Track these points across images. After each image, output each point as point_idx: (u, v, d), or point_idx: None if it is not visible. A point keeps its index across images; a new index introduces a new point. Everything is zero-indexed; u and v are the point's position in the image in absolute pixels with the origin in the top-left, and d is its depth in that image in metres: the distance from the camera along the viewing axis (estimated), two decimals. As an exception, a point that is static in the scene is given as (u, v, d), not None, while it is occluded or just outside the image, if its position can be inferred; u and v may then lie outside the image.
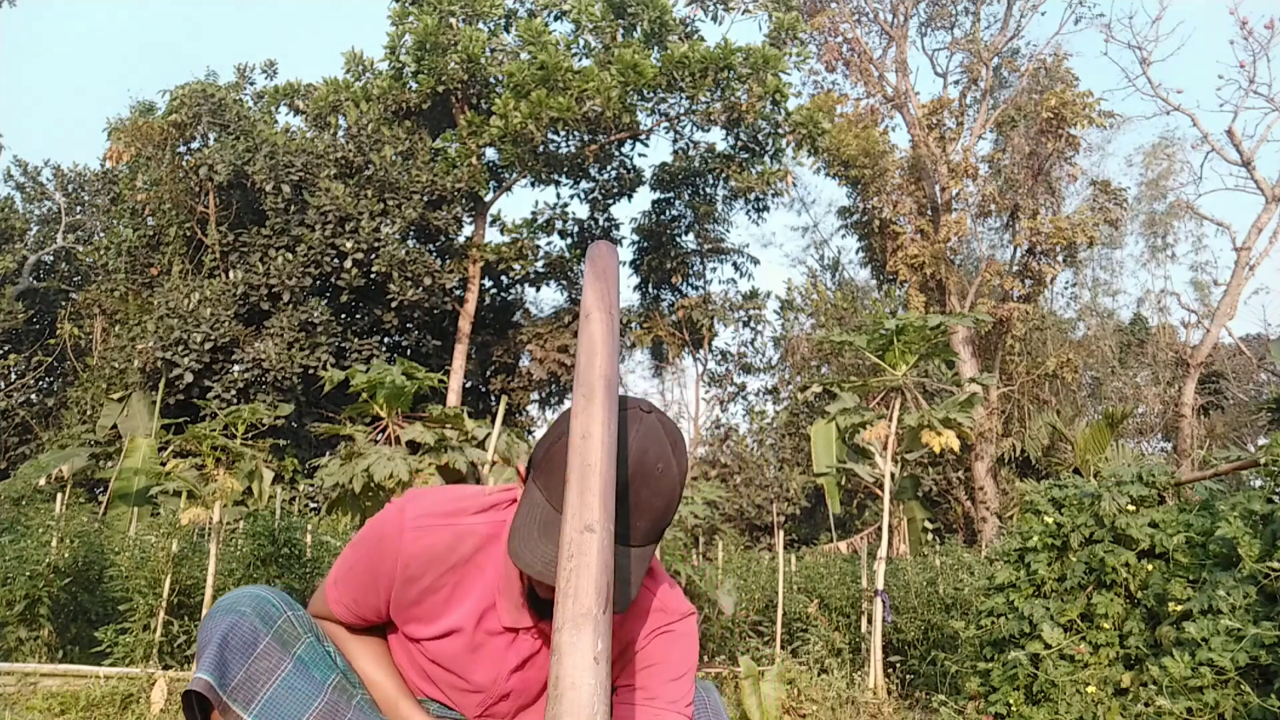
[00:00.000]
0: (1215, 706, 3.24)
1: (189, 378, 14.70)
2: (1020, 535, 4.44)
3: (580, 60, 16.99)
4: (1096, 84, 61.05)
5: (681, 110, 17.75)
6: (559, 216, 19.90)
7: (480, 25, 17.47)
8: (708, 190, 20.87)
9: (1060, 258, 18.49)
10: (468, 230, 18.70)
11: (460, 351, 17.61)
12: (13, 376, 19.82)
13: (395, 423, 7.94)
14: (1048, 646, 3.97)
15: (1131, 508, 4.08)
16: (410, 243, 17.00)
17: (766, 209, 20.78)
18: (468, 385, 19.45)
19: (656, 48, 17.12)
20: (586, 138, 17.58)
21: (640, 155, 22.32)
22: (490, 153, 18.06)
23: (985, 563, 7.33)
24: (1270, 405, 12.42)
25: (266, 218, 16.31)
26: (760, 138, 18.13)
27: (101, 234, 21.22)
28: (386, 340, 18.02)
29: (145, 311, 16.53)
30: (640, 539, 1.21)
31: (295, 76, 27.73)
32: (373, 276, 16.16)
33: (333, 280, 16.07)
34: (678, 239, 21.26)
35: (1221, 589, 3.39)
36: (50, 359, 19.51)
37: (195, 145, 17.04)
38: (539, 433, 18.66)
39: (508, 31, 18.18)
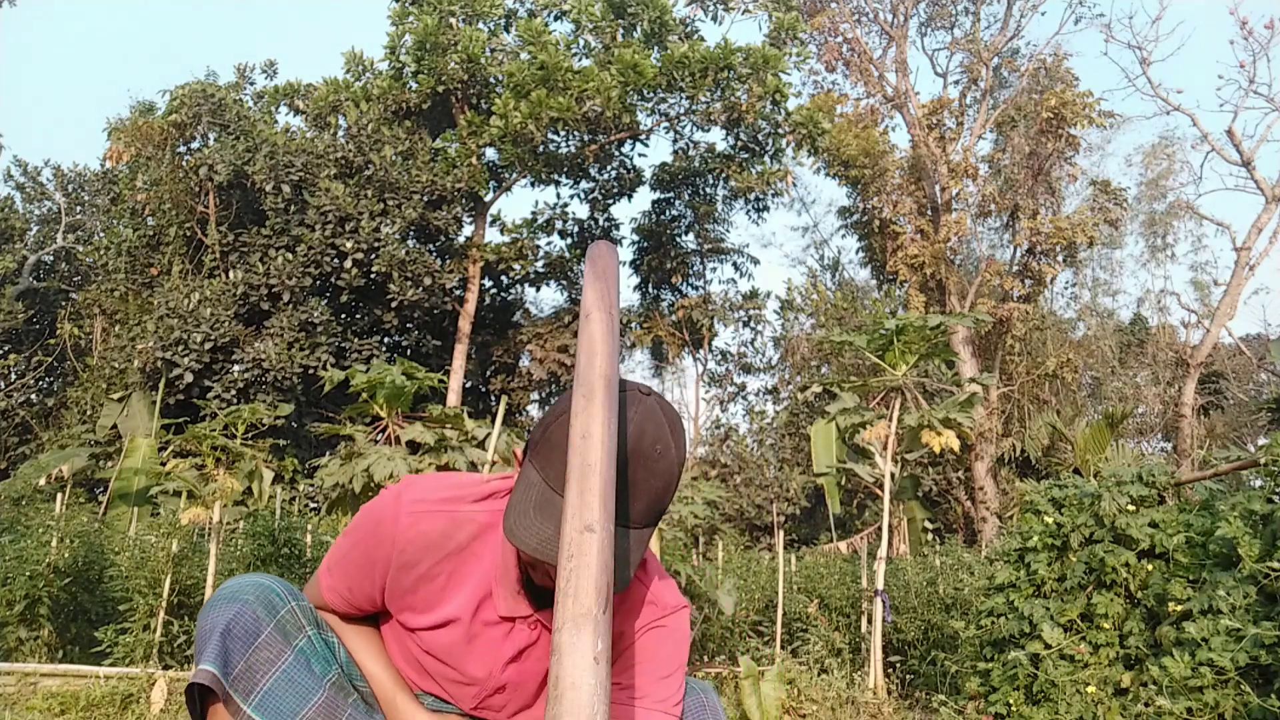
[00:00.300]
0: (1215, 706, 3.24)
1: (189, 378, 14.71)
2: (1020, 535, 4.44)
3: (580, 60, 16.99)
4: (1096, 84, 61.06)
5: (681, 110, 17.76)
6: (559, 216, 19.90)
7: (480, 25, 17.47)
8: (708, 190, 20.88)
9: (1060, 258, 18.49)
10: (468, 230, 18.71)
11: (460, 351, 17.61)
12: (13, 376, 19.82)
13: (395, 423, 7.95)
14: (1048, 646, 3.97)
15: (1131, 508, 4.08)
16: (410, 243, 17.00)
17: (766, 209, 20.80)
18: (468, 385, 19.45)
19: (656, 48, 17.12)
20: (586, 138, 17.58)
21: (640, 155, 22.34)
22: (490, 153, 18.07)
23: (985, 563, 7.33)
24: (1270, 405, 12.42)
25: (266, 218, 16.31)
26: (760, 138, 18.13)
27: (101, 234, 21.22)
28: (386, 340, 18.02)
29: (145, 311, 16.53)
30: (638, 520, 1.20)
31: (295, 76, 27.76)
32: (373, 276, 16.16)
33: (333, 280, 16.07)
34: (678, 239, 21.26)
35: (1221, 589, 3.39)
36: (50, 359, 19.52)
37: (195, 145, 17.04)
38: (539, 433, 18.60)
39: (508, 31, 18.18)
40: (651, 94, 16.82)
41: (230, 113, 16.98)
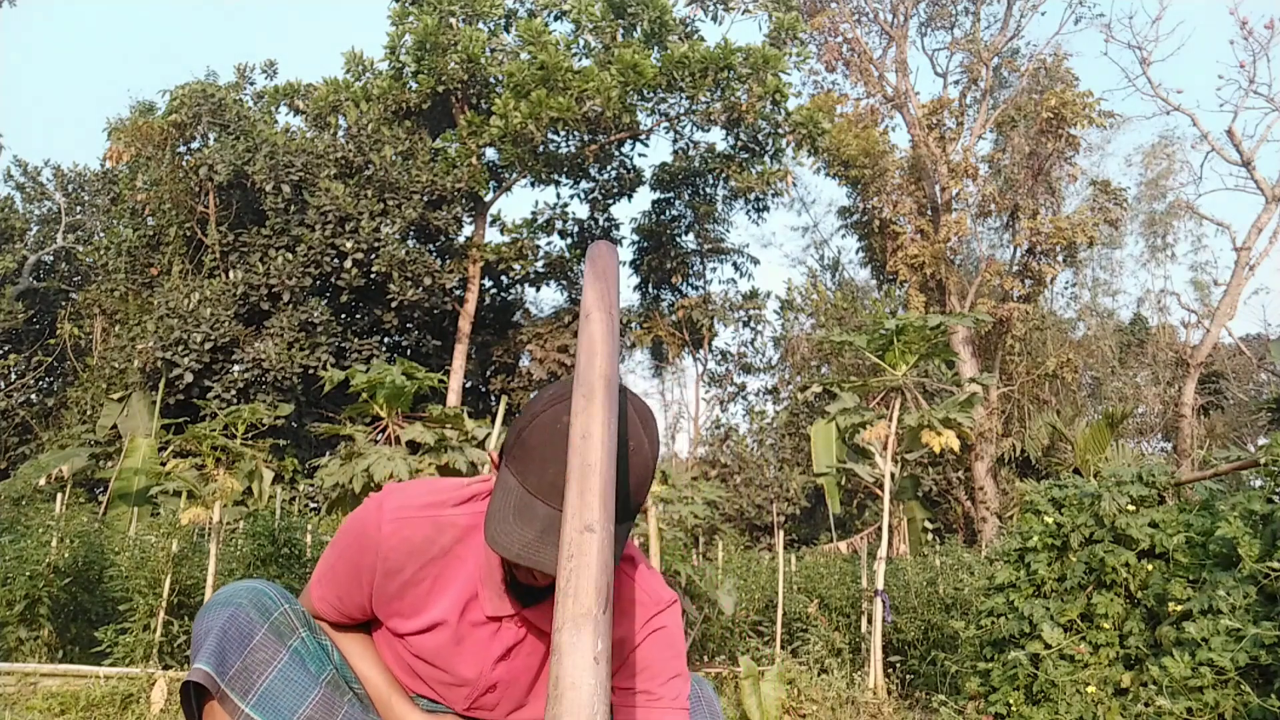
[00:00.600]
0: (1215, 706, 3.24)
1: (189, 378, 14.70)
2: (1020, 535, 4.44)
3: (580, 60, 16.99)
4: (1096, 84, 61.08)
5: (681, 110, 17.76)
6: (559, 216, 19.90)
7: (480, 25, 17.47)
8: (708, 190, 20.88)
9: (1060, 258, 18.49)
10: (468, 230, 18.71)
11: (460, 351, 17.61)
12: (13, 376, 19.82)
13: (395, 423, 7.95)
14: (1048, 646, 3.97)
15: (1131, 508, 4.08)
16: (410, 243, 17.00)
17: (766, 209, 20.80)
18: (468, 385, 19.45)
19: (656, 48, 17.12)
20: (586, 138, 17.58)
21: (640, 155, 22.34)
22: (490, 153, 18.07)
23: (985, 563, 7.33)
24: (1270, 405, 12.42)
25: (266, 218, 16.31)
26: (760, 138, 18.13)
27: (101, 234, 21.22)
28: (386, 340, 18.02)
29: (145, 311, 16.53)
30: (617, 516, 1.18)
31: (295, 76, 27.75)
32: (373, 276, 16.16)
33: (333, 280, 16.07)
34: (678, 239, 21.26)
35: (1221, 589, 3.39)
36: (50, 359, 19.52)
37: (195, 145, 17.04)
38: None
39: (508, 31, 18.18)
40: (651, 94, 16.82)
41: (230, 113, 16.98)
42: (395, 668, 1.44)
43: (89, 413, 16.54)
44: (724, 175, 19.44)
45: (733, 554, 10.05)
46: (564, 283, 20.45)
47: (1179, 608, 3.57)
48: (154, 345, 14.75)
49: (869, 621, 6.37)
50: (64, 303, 20.59)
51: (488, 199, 18.61)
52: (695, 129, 18.83)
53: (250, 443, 10.36)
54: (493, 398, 19.29)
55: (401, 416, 8.13)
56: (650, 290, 21.71)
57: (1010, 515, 15.32)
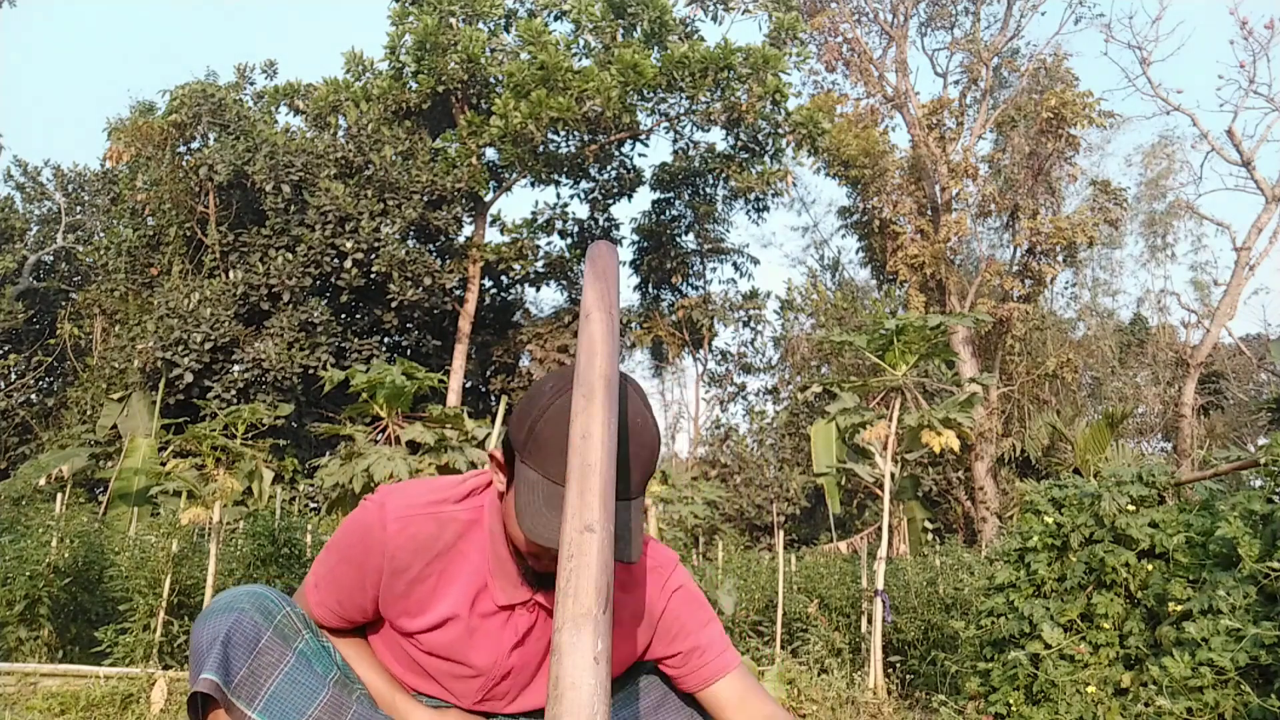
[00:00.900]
0: (1215, 706, 3.24)
1: (189, 378, 14.70)
2: (1020, 535, 4.44)
3: (580, 60, 16.99)
4: (1096, 84, 61.08)
5: (681, 110, 17.76)
6: (559, 216, 19.90)
7: (480, 25, 17.47)
8: (708, 190, 20.88)
9: (1060, 258, 18.50)
10: (468, 230, 18.71)
11: (460, 351, 17.61)
12: (13, 376, 19.82)
13: (395, 423, 7.95)
14: (1048, 646, 3.97)
15: (1131, 508, 4.08)
16: (410, 243, 17.00)
17: (766, 209, 20.81)
18: (468, 385, 19.45)
19: (656, 48, 17.12)
20: (586, 138, 17.58)
21: (640, 155, 22.34)
22: (490, 153, 18.07)
23: (985, 563, 7.33)
24: (1270, 405, 12.42)
25: (266, 218, 16.31)
26: (760, 138, 18.13)
27: (101, 234, 21.22)
28: (386, 340, 18.02)
29: (145, 311, 16.53)
30: (635, 490, 1.26)
31: (295, 76, 27.75)
32: (373, 276, 16.16)
33: (333, 280, 16.07)
34: (678, 239, 21.26)
35: (1221, 589, 3.39)
36: (50, 359, 19.52)
37: (195, 145, 17.04)
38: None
39: (508, 31, 18.18)
40: (651, 94, 16.82)
41: (230, 113, 16.98)
42: (397, 667, 1.45)
43: (89, 413, 16.54)
44: (724, 175, 19.44)
45: (733, 554, 10.05)
46: (564, 283, 20.45)
47: (1179, 608, 3.57)
48: (154, 345, 14.75)
49: (869, 621, 6.37)
50: (64, 303, 20.59)
51: (488, 199, 18.61)
52: (695, 129, 18.84)
53: (250, 443, 10.36)
54: (493, 398, 19.29)
55: (401, 416, 8.13)
56: (650, 290, 21.71)
57: (1010, 515, 15.32)
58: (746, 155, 18.72)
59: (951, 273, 18.50)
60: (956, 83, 20.90)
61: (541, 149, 16.79)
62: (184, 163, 16.49)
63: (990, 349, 18.51)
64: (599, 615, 0.99)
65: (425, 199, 16.55)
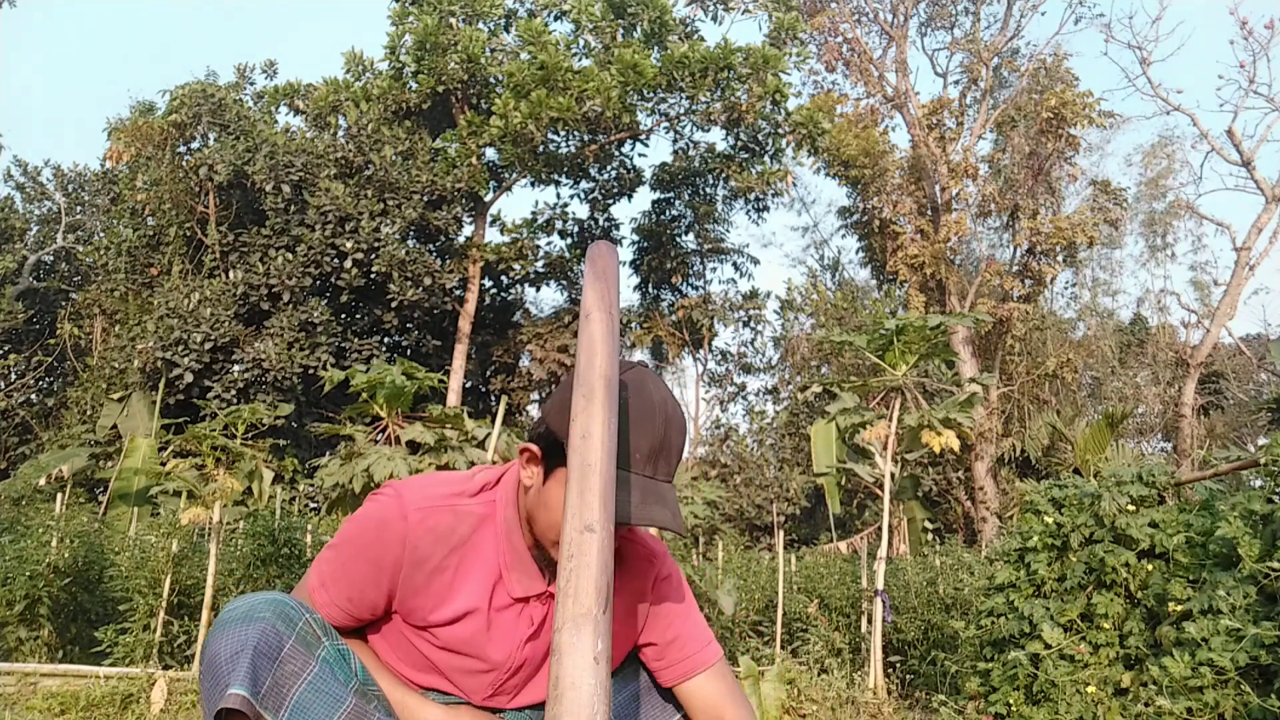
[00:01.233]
0: (1215, 706, 3.24)
1: (189, 378, 14.70)
2: (1020, 535, 4.44)
3: (580, 60, 16.99)
4: (1096, 84, 61.07)
5: (681, 110, 17.75)
6: (559, 216, 19.90)
7: (480, 25, 17.46)
8: (708, 190, 20.87)
9: (1060, 258, 18.49)
10: (468, 230, 18.70)
11: (460, 351, 17.61)
12: (13, 376, 19.82)
13: (395, 423, 7.95)
14: (1048, 646, 3.97)
15: (1131, 508, 4.08)
16: (410, 243, 16.99)
17: (766, 209, 20.80)
18: (468, 385, 19.44)
19: (656, 48, 17.12)
20: (586, 138, 17.57)
21: (640, 155, 22.33)
22: (490, 153, 18.06)
23: (985, 563, 7.33)
24: (1270, 405, 12.42)
25: (266, 218, 16.31)
26: (760, 138, 18.13)
27: (101, 234, 21.22)
28: (386, 340, 18.02)
29: (145, 311, 16.53)
30: (673, 473, 1.36)
31: (295, 76, 27.74)
32: (373, 276, 16.16)
33: (333, 280, 16.07)
34: (678, 239, 21.26)
35: (1221, 589, 3.39)
36: (50, 359, 19.51)
37: (195, 145, 17.04)
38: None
39: (508, 31, 18.18)
40: (651, 94, 16.82)
41: (230, 113, 16.98)
42: (403, 666, 1.44)
43: (89, 413, 16.53)
44: (724, 175, 19.43)
45: (733, 554, 10.05)
46: (564, 283, 20.45)
47: (1179, 608, 3.57)
48: (154, 345, 14.74)
49: (869, 621, 6.37)
50: (64, 303, 20.58)
51: (488, 199, 18.61)
52: (695, 129, 18.83)
53: (250, 443, 10.35)
54: (493, 398, 19.28)
55: (401, 416, 8.13)
56: (650, 290, 21.71)
57: (1010, 515, 15.32)
58: (746, 155, 18.72)
59: (951, 273, 18.49)
60: (956, 83, 20.92)
61: (541, 149, 16.79)
62: (184, 163, 16.48)
63: (990, 349, 18.50)
64: (599, 615, 0.99)
65: (425, 199, 16.55)
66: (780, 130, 17.67)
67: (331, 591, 1.39)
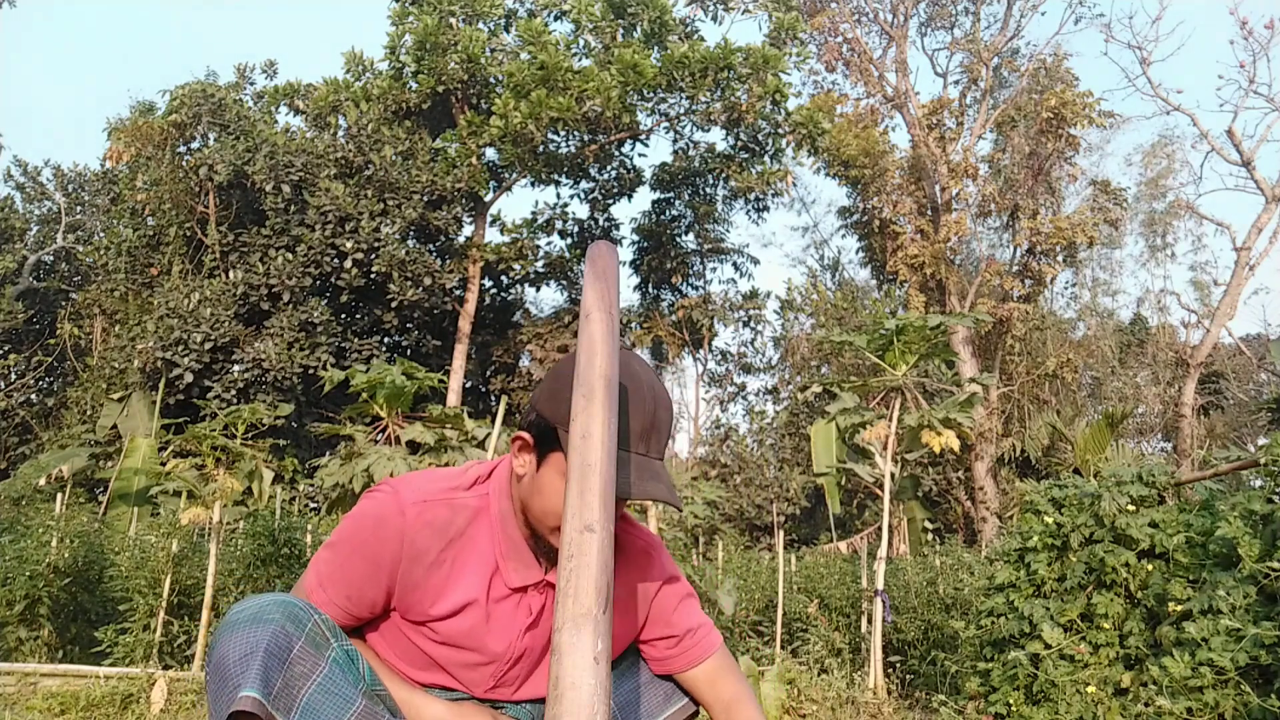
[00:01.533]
0: (1215, 706, 3.24)
1: (189, 378, 14.70)
2: (1020, 535, 4.44)
3: (580, 60, 16.99)
4: (1096, 84, 61.06)
5: (681, 110, 17.75)
6: (559, 216, 19.90)
7: (480, 25, 17.46)
8: (708, 190, 20.87)
9: (1060, 258, 18.49)
10: (468, 230, 18.70)
11: (460, 351, 17.61)
12: (13, 376, 19.81)
13: (395, 423, 7.95)
14: (1048, 646, 3.97)
15: (1131, 508, 4.08)
16: (410, 243, 16.99)
17: (766, 209, 20.80)
18: (468, 385, 19.44)
19: (656, 48, 17.12)
20: (586, 138, 17.57)
21: (640, 155, 22.33)
22: (490, 153, 18.06)
23: (985, 563, 7.33)
24: (1270, 405, 12.42)
25: (266, 218, 16.31)
26: (760, 138, 18.12)
27: (101, 234, 21.21)
28: (386, 340, 18.02)
29: (145, 311, 16.53)
30: (663, 451, 1.39)
31: (295, 76, 27.75)
32: (373, 276, 16.16)
33: (333, 280, 16.07)
34: (678, 239, 21.26)
35: (1221, 589, 3.39)
36: (50, 359, 19.51)
37: (195, 145, 17.04)
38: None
39: (508, 31, 18.18)
40: (651, 94, 16.82)
41: (230, 113, 16.97)
42: (404, 662, 1.45)
43: (89, 413, 16.53)
44: (724, 175, 19.43)
45: (733, 554, 10.05)
46: (564, 283, 20.45)
47: (1179, 608, 3.57)
48: (154, 345, 14.74)
49: (869, 621, 6.37)
50: (64, 303, 20.58)
51: (488, 199, 18.61)
52: (695, 129, 18.83)
53: (250, 443, 10.35)
54: (493, 398, 19.28)
55: (401, 416, 8.13)
56: (650, 290, 21.71)
57: (1010, 515, 15.32)
58: (746, 155, 18.72)
59: (951, 273, 18.49)
60: (956, 83, 20.91)
61: (541, 149, 16.79)
62: (184, 163, 16.48)
63: (990, 349, 18.50)
64: (599, 615, 0.99)
65: (425, 199, 16.55)
66: (780, 130, 17.67)
67: (330, 591, 1.39)
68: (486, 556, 1.41)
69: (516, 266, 19.01)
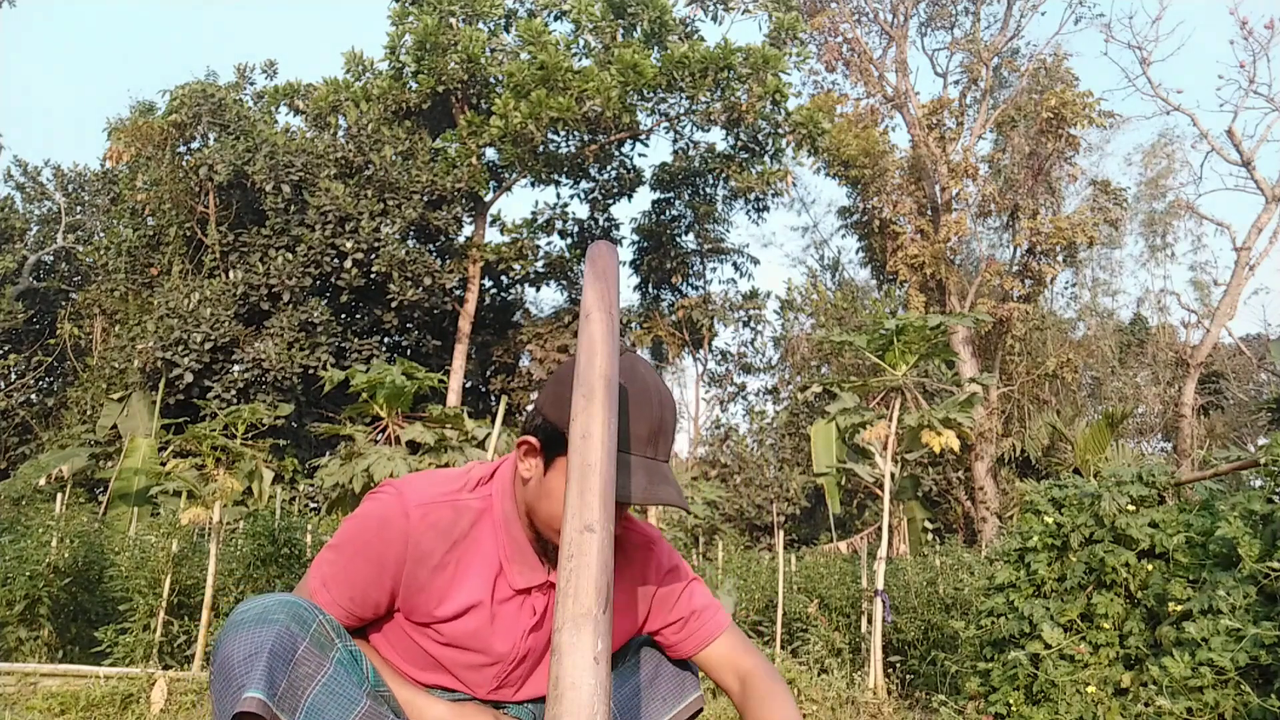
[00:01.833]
0: (1215, 706, 3.24)
1: (189, 378, 14.70)
2: (1020, 535, 4.44)
3: (580, 60, 16.99)
4: (1096, 84, 61.09)
5: (681, 110, 17.75)
6: (559, 216, 19.90)
7: (480, 25, 17.46)
8: (708, 190, 20.87)
9: (1060, 258, 18.49)
10: (468, 230, 18.71)
11: (460, 351, 17.61)
12: (13, 376, 19.82)
13: (395, 423, 7.95)
14: (1048, 646, 3.97)
15: (1131, 508, 4.08)
16: (410, 243, 16.99)
17: (766, 209, 20.80)
18: (468, 385, 19.44)
19: (656, 48, 17.12)
20: (586, 138, 17.57)
21: (640, 155, 22.33)
22: (490, 153, 18.06)
23: (985, 563, 7.33)
24: (1270, 405, 12.42)
25: (266, 218, 16.31)
26: (760, 138, 18.12)
27: (101, 234, 21.22)
28: (386, 340, 18.02)
29: (145, 311, 16.53)
30: (670, 454, 1.41)
31: (295, 76, 27.75)
32: (373, 276, 16.16)
33: (333, 280, 16.07)
34: (678, 239, 21.26)
35: (1221, 589, 3.39)
36: (50, 359, 19.51)
37: (195, 145, 17.04)
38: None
39: (508, 31, 18.18)
40: (651, 94, 16.82)
41: (230, 113, 16.97)
42: (407, 663, 1.45)
43: (89, 413, 16.53)
44: (724, 175, 19.43)
45: (733, 554, 10.05)
46: (564, 283, 20.45)
47: (1179, 608, 3.57)
48: (154, 345, 14.74)
49: (869, 621, 6.37)
50: (64, 303, 20.58)
51: (488, 199, 18.60)
52: (695, 129, 18.83)
53: (250, 443, 10.36)
54: (493, 398, 19.28)
55: (401, 416, 8.13)
56: (650, 290, 21.70)
57: (1010, 515, 15.31)
58: (746, 155, 18.71)
59: (951, 273, 18.49)
60: (956, 83, 20.91)
61: (541, 149, 16.79)
62: (184, 163, 16.48)
63: (990, 349, 18.50)
64: (599, 615, 0.99)
65: (425, 199, 16.55)
66: (780, 130, 17.67)
67: (334, 592, 1.39)
68: (491, 558, 1.41)
69: (516, 266, 19.01)
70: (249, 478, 9.56)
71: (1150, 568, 3.91)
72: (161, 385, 14.64)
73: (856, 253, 22.33)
